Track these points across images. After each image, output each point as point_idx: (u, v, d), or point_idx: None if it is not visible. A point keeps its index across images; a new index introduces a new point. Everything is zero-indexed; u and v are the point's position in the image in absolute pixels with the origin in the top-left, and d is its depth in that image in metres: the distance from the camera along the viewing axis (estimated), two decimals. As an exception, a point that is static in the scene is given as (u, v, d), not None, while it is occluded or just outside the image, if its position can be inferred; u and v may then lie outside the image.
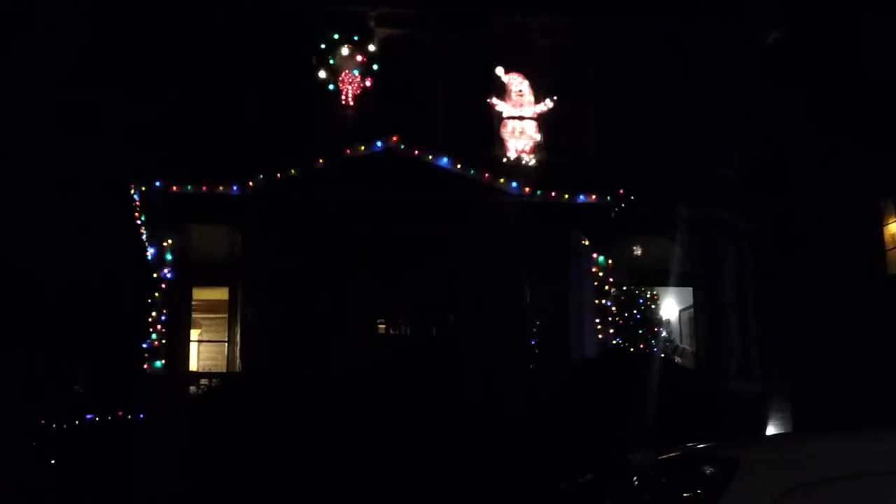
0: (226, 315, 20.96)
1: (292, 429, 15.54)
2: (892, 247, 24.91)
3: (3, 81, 22.47)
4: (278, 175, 18.02)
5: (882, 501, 5.26)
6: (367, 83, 20.62)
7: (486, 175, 18.66)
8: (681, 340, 21.59)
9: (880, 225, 25.16)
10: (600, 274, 18.72)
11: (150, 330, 17.42)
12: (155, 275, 17.72)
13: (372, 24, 21.12)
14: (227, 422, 15.41)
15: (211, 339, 22.30)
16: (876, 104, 24.06)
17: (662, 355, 18.43)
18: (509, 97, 20.74)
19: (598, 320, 18.63)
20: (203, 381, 18.17)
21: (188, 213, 18.22)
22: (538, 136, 20.72)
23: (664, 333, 21.50)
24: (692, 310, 21.52)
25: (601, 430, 16.33)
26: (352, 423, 16.07)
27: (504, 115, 20.79)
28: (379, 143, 18.61)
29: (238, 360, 19.37)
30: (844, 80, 24.94)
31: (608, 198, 18.86)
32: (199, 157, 19.48)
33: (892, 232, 24.96)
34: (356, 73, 20.45)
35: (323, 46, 20.52)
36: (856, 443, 5.74)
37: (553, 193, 18.81)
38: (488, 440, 16.63)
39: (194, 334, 21.71)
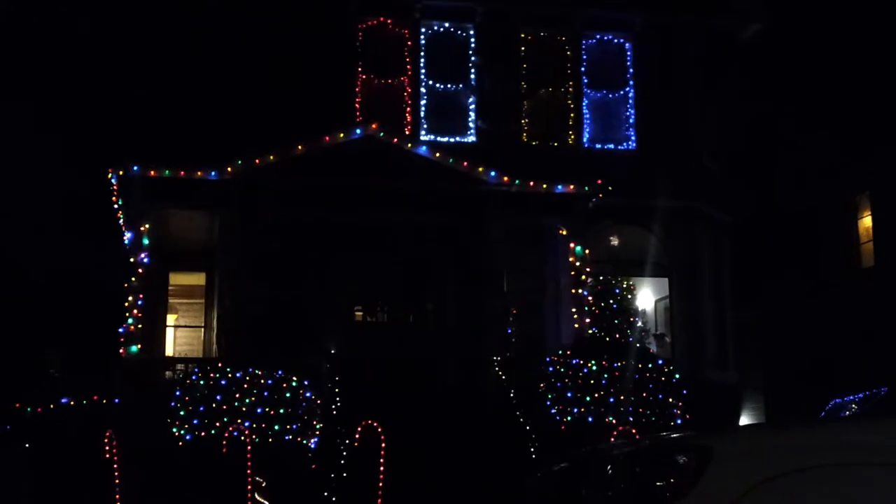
0: (202, 300, 20.92)
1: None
2: (865, 240, 25.12)
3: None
4: (257, 161, 17.98)
5: (853, 491, 5.33)
6: (348, 71, 20.57)
7: (465, 164, 18.68)
8: (656, 330, 21.73)
9: (855, 218, 25.37)
10: (577, 263, 18.79)
11: (127, 315, 17.34)
12: (132, 259, 17.63)
13: (354, 12, 21.07)
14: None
15: (187, 325, 22.26)
16: (854, 100, 24.23)
17: (638, 345, 18.52)
18: (490, 87, 20.74)
19: (574, 310, 18.70)
20: (179, 367, 18.13)
21: (165, 198, 18.16)
22: (518, 126, 20.74)
23: (640, 323, 21.62)
24: (668, 300, 21.65)
25: (576, 419, 16.41)
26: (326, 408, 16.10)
27: (484, 104, 20.77)
28: (358, 131, 18.60)
29: (214, 346, 19.35)
30: (824, 75, 25.10)
31: (586, 188, 18.92)
32: (177, 142, 19.43)
33: (866, 225, 25.17)
34: (337, 61, 20.41)
35: (303, 34, 20.46)
36: (828, 434, 5.81)
37: (531, 183, 18.85)
38: (464, 428, 16.66)
39: (171, 319, 21.66)
